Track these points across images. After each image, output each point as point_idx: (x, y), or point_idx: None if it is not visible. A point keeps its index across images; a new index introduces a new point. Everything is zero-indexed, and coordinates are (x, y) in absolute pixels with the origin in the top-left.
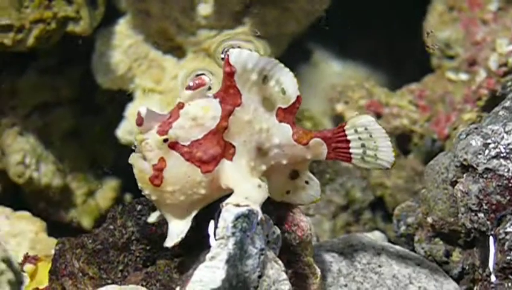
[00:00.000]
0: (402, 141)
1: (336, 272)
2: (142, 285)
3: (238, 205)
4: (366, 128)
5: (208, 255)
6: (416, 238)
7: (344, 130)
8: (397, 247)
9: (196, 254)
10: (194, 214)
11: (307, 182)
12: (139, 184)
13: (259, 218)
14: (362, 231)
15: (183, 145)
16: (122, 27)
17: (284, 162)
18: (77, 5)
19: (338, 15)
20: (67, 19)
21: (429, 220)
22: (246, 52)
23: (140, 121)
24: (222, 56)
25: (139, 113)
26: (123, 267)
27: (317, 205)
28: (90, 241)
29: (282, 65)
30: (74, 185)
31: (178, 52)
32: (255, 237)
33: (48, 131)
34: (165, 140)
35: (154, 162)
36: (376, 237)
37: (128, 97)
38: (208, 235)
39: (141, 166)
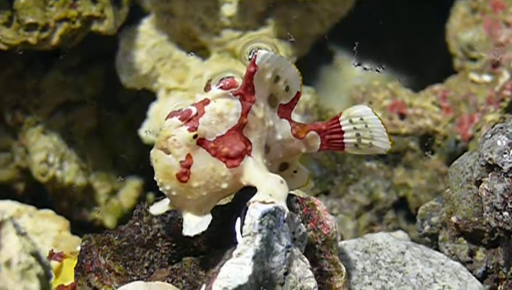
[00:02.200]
0: (425, 141)
1: (361, 270)
2: (168, 282)
3: (264, 203)
4: (361, 119)
5: (235, 252)
6: (440, 237)
7: (339, 121)
8: (421, 246)
9: (221, 251)
10: (210, 208)
11: (295, 172)
12: (161, 180)
13: (285, 215)
14: (385, 230)
15: (209, 141)
16: (146, 27)
17: (280, 155)
18: (102, 4)
19: (360, 17)
20: (92, 18)
21: (453, 219)
22: (271, 53)
23: (185, 117)
24: (250, 57)
25: (189, 111)
26: (148, 264)
27: (341, 204)
28: (116, 237)
29: (289, 62)
30: (97, 184)
31: (202, 52)
32: (281, 234)
33: (71, 130)
34: (195, 136)
35: (181, 159)
36: (399, 236)
37: (152, 97)
38: (234, 232)
39: (168, 162)
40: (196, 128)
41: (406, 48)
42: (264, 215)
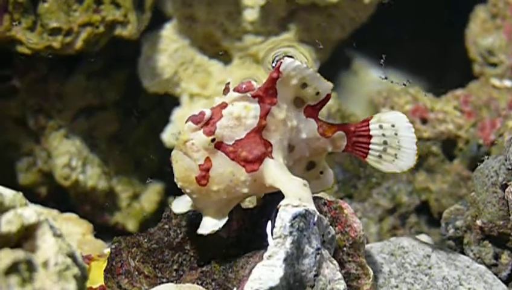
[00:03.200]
0: (447, 146)
1: (387, 273)
2: (198, 284)
3: (294, 206)
4: (393, 125)
5: (266, 254)
6: (465, 241)
7: (368, 124)
8: (447, 249)
9: (251, 254)
10: (230, 209)
11: (321, 172)
12: (181, 183)
13: (315, 218)
14: (408, 234)
15: (228, 145)
16: (169, 31)
17: (307, 154)
18: (125, 9)
19: (379, 23)
20: (115, 22)
21: (478, 223)
22: (297, 62)
23: (199, 120)
24: (273, 65)
25: (203, 114)
26: (178, 267)
27: (364, 208)
28: (145, 240)
29: (322, 77)
30: (119, 188)
31: (224, 57)
32: (311, 237)
33: (93, 134)
34: (213, 140)
35: (200, 162)
36: (424, 240)
37: (174, 101)
38: (265, 235)
39: (188, 165)
40: (213, 132)
41: (424, 53)
42: (294, 217)
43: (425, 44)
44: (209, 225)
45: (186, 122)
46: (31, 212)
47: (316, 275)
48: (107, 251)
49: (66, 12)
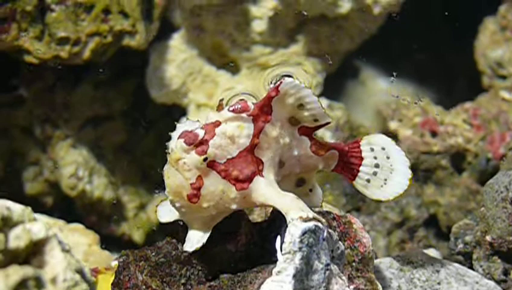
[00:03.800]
0: (456, 159)
1: (396, 288)
2: None
3: (303, 218)
4: (383, 148)
5: (275, 270)
6: (474, 256)
7: (359, 146)
8: (456, 264)
9: (259, 269)
10: (215, 223)
11: (310, 190)
12: (171, 197)
13: (325, 233)
14: (417, 248)
15: (220, 164)
16: (177, 42)
17: (297, 170)
18: (133, 19)
19: (387, 34)
20: (123, 32)
21: (488, 238)
22: (296, 82)
23: (192, 141)
24: (272, 85)
25: (196, 135)
26: (185, 281)
27: (373, 221)
28: (153, 254)
29: (320, 103)
30: (126, 198)
31: (232, 67)
32: (320, 253)
33: (100, 144)
34: (205, 159)
35: (192, 181)
36: (432, 255)
37: (181, 112)
38: (272, 250)
39: (180, 182)
40: (205, 152)
41: (433, 65)
42: (304, 233)
43: (434, 56)
44: (194, 240)
45: (178, 138)
46: (39, 228)
47: None
48: (114, 263)
49: (74, 22)
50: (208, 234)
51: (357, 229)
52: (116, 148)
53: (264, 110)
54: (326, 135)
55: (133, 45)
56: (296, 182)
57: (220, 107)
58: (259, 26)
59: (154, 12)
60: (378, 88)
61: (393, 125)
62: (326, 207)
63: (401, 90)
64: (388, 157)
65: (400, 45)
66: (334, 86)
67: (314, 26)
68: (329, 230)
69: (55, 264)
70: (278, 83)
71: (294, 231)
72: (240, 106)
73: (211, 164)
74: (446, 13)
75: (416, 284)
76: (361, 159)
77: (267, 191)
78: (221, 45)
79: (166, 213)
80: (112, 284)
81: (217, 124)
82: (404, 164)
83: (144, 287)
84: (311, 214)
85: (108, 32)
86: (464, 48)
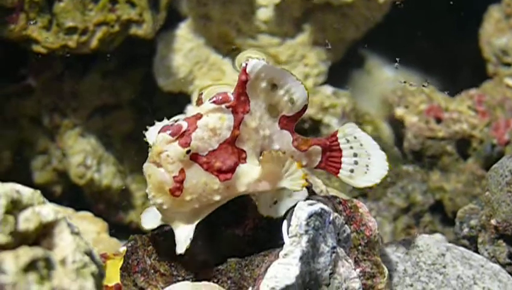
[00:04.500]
0: (462, 145)
1: (402, 272)
2: (213, 282)
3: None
4: (355, 137)
5: (282, 253)
6: (479, 240)
7: (337, 139)
8: (461, 248)
9: (266, 253)
10: (201, 219)
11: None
12: (153, 193)
13: (331, 217)
14: (423, 233)
15: (202, 156)
16: (184, 31)
17: None
18: (140, 8)
19: (392, 22)
20: (131, 21)
21: (493, 222)
22: (262, 62)
23: (176, 132)
24: (243, 66)
25: (179, 127)
26: (194, 265)
27: (379, 207)
28: (161, 238)
29: (295, 77)
30: (134, 186)
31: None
32: (327, 235)
33: (108, 133)
34: (188, 152)
35: (175, 174)
36: (438, 239)
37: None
38: (279, 234)
39: (162, 178)
40: (189, 144)
41: (438, 53)
42: (310, 216)
43: (438, 44)
44: (182, 240)
45: (159, 132)
46: (48, 210)
47: (331, 274)
48: (122, 249)
49: (81, 12)
50: (193, 228)
51: (363, 213)
52: (124, 137)
53: (241, 100)
54: (332, 122)
55: (140, 34)
56: None
57: (199, 101)
58: (264, 14)
59: (161, 1)
60: (384, 77)
61: (399, 111)
62: (333, 192)
63: (407, 79)
64: (361, 145)
65: (404, 33)
66: (340, 75)
67: (320, 14)
68: (336, 213)
69: (65, 246)
70: (244, 65)
71: (300, 214)
72: (221, 97)
73: (194, 157)
74: (451, 1)
75: (422, 267)
76: (341, 151)
77: (252, 172)
78: (228, 34)
79: (150, 219)
80: (120, 268)
81: (198, 116)
82: (376, 148)
83: (152, 271)
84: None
85: (115, 21)
86: (469, 36)
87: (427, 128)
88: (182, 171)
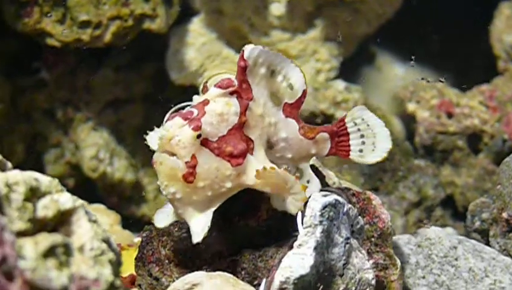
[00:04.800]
0: (473, 140)
1: (414, 264)
2: (228, 272)
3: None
4: (363, 119)
5: (296, 243)
6: (491, 233)
7: (345, 123)
8: (473, 241)
9: (279, 244)
10: (213, 209)
11: (308, 181)
12: (166, 182)
13: (345, 208)
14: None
15: (212, 142)
16: (196, 25)
17: (289, 155)
18: (154, 3)
19: (402, 19)
20: (144, 16)
21: (504, 215)
22: (259, 47)
23: (186, 117)
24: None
25: (190, 112)
26: (207, 255)
27: (390, 201)
28: (176, 229)
29: (290, 60)
30: (146, 180)
31: None
32: (341, 226)
33: (120, 126)
34: (199, 136)
35: (187, 159)
36: (449, 233)
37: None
38: (292, 225)
39: (173, 164)
40: (200, 128)
41: (449, 49)
42: (324, 207)
43: (449, 40)
44: (199, 229)
45: (168, 120)
46: (66, 198)
47: (345, 264)
48: (136, 240)
49: (95, 6)
50: (209, 218)
51: (376, 206)
52: (136, 130)
53: (244, 87)
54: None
55: (154, 28)
56: (294, 175)
57: (204, 90)
58: (277, 9)
59: None
60: (394, 73)
61: (411, 106)
62: (346, 184)
63: (417, 75)
64: (368, 125)
65: (415, 30)
66: (351, 70)
67: (332, 10)
68: (349, 205)
69: (82, 233)
70: (242, 51)
71: (315, 205)
72: (225, 82)
73: (204, 142)
74: None
75: (434, 260)
76: (348, 134)
77: (252, 176)
78: (240, 29)
79: (164, 218)
80: (135, 258)
81: (206, 102)
82: (381, 125)
83: (166, 261)
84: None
85: (129, 15)
86: (480, 32)
87: (439, 123)
88: (193, 156)
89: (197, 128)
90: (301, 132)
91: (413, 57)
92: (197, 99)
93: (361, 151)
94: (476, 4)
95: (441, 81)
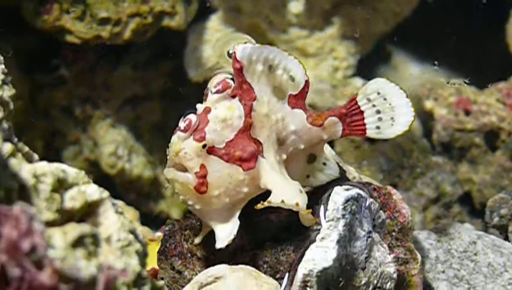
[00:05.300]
0: (490, 137)
1: (434, 258)
2: (250, 266)
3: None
4: (378, 93)
5: (319, 236)
6: (510, 228)
7: (356, 102)
8: (492, 236)
9: (301, 238)
10: (237, 214)
11: (324, 164)
12: (182, 197)
13: (367, 202)
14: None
15: (220, 148)
16: (214, 23)
17: (302, 146)
18: (173, 0)
19: (419, 18)
20: (163, 13)
21: None
22: (249, 46)
23: (187, 128)
24: (230, 52)
25: (189, 121)
26: (230, 249)
27: (409, 197)
28: (198, 223)
29: (286, 53)
30: (163, 177)
31: None
32: (363, 220)
33: (138, 123)
34: (204, 146)
35: (196, 170)
36: (467, 228)
37: None
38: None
39: (184, 178)
40: (204, 138)
41: (465, 48)
42: (347, 200)
43: (466, 39)
44: (224, 236)
45: (173, 134)
46: (93, 190)
47: (367, 258)
48: (158, 234)
49: (114, 3)
50: (236, 225)
51: (396, 200)
52: (154, 127)
53: (244, 89)
54: None
55: (173, 25)
56: (307, 160)
57: (205, 97)
58: (295, 7)
59: None
60: (410, 72)
61: (428, 104)
62: (366, 179)
63: (434, 74)
64: (385, 99)
65: (432, 28)
66: (368, 69)
67: (349, 8)
68: (371, 199)
69: (109, 224)
70: (233, 53)
71: (337, 198)
72: (221, 85)
73: (211, 150)
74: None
75: (454, 254)
76: (362, 113)
77: (272, 176)
78: (259, 27)
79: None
80: (158, 252)
81: (207, 110)
82: (401, 96)
83: (189, 255)
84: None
85: (148, 13)
86: (496, 31)
87: (456, 121)
88: (202, 166)
89: (201, 138)
90: (309, 120)
91: (436, 62)
92: (200, 107)
93: (378, 128)
94: (492, 2)
95: (466, 82)
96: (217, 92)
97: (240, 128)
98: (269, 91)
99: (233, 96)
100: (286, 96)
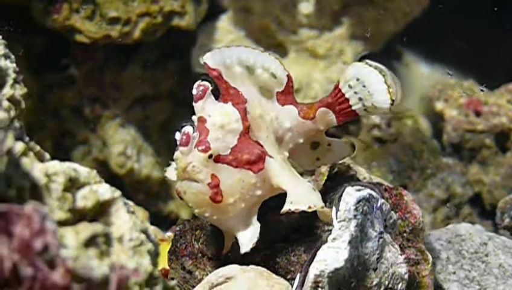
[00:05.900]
0: (501, 139)
1: (445, 259)
2: (261, 266)
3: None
4: (357, 79)
5: (330, 237)
6: None
7: (340, 90)
8: (503, 237)
9: (312, 239)
10: (255, 217)
11: (329, 145)
12: (197, 209)
13: (379, 202)
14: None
15: (226, 155)
16: (224, 23)
17: (301, 140)
18: (183, 0)
19: (429, 18)
20: (173, 13)
21: None
22: (216, 50)
23: (187, 141)
24: (201, 63)
25: (187, 134)
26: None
27: (419, 199)
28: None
29: (257, 50)
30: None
31: (279, 49)
32: (374, 221)
33: (147, 123)
34: (210, 156)
35: (208, 181)
36: (478, 229)
37: None
38: (322, 222)
39: (198, 189)
40: (209, 148)
41: (473, 49)
42: (359, 201)
43: (475, 40)
44: (247, 240)
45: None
46: (105, 189)
47: (378, 258)
48: (168, 234)
49: (124, 2)
50: (257, 229)
51: (407, 201)
52: (162, 127)
53: (232, 93)
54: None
55: (183, 25)
56: (311, 146)
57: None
58: (306, 8)
59: None
60: (420, 73)
61: (439, 105)
62: (377, 179)
63: (443, 75)
64: (364, 86)
65: (442, 29)
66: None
67: (359, 8)
68: (383, 200)
69: (121, 224)
70: (205, 64)
71: (349, 199)
72: (200, 91)
73: (218, 158)
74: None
75: (465, 255)
76: (348, 100)
77: (282, 174)
78: (269, 27)
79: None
80: (168, 251)
81: (202, 120)
82: (377, 81)
83: (200, 255)
84: (319, 207)
85: (158, 12)
86: (506, 32)
87: (467, 122)
88: (213, 176)
89: (207, 148)
90: (301, 114)
91: (451, 72)
92: (195, 118)
93: (366, 110)
94: (502, 3)
95: (482, 90)
96: (199, 99)
97: (240, 132)
98: (256, 92)
99: (226, 102)
100: (274, 95)
